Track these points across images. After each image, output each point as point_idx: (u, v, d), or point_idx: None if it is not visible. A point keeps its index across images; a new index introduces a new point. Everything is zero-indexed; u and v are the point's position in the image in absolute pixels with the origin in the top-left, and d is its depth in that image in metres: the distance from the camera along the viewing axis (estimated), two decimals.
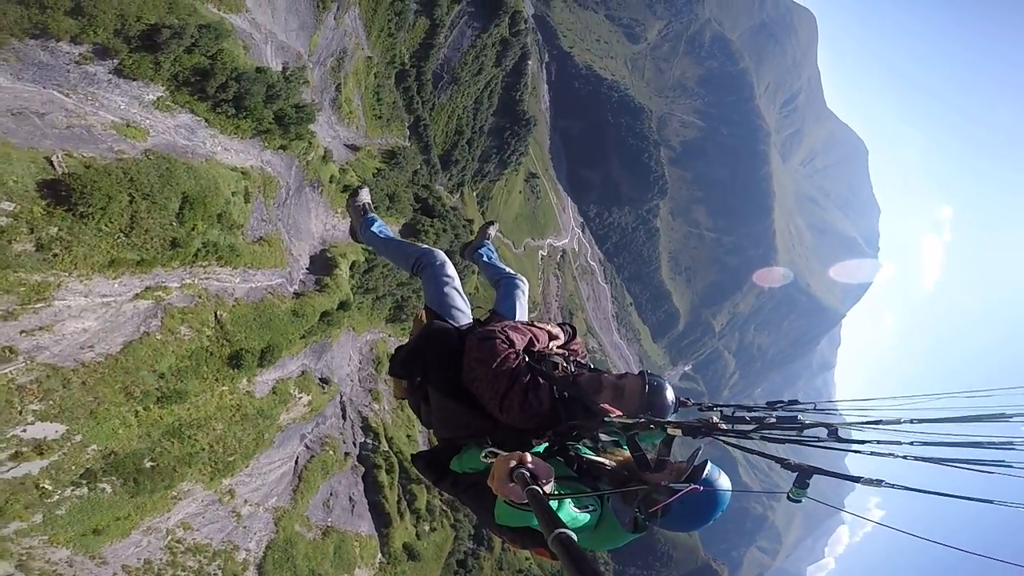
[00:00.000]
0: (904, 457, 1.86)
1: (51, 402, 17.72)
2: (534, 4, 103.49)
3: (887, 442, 1.96)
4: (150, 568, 22.06)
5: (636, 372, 3.05)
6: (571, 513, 2.32)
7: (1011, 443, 1.70)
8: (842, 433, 2.14)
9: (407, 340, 3.80)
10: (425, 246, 4.20)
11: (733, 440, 2.40)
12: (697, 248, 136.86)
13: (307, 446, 33.84)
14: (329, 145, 40.28)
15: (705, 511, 2.40)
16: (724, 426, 2.42)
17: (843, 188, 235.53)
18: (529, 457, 2.04)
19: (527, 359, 3.16)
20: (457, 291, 3.82)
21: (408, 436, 45.22)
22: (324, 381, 34.76)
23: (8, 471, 16.90)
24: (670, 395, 2.90)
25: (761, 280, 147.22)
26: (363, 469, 38.96)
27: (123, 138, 20.99)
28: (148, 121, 22.90)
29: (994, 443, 1.71)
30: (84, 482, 18.93)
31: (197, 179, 22.38)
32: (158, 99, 23.64)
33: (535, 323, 3.56)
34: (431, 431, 3.42)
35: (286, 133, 31.32)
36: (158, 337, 21.19)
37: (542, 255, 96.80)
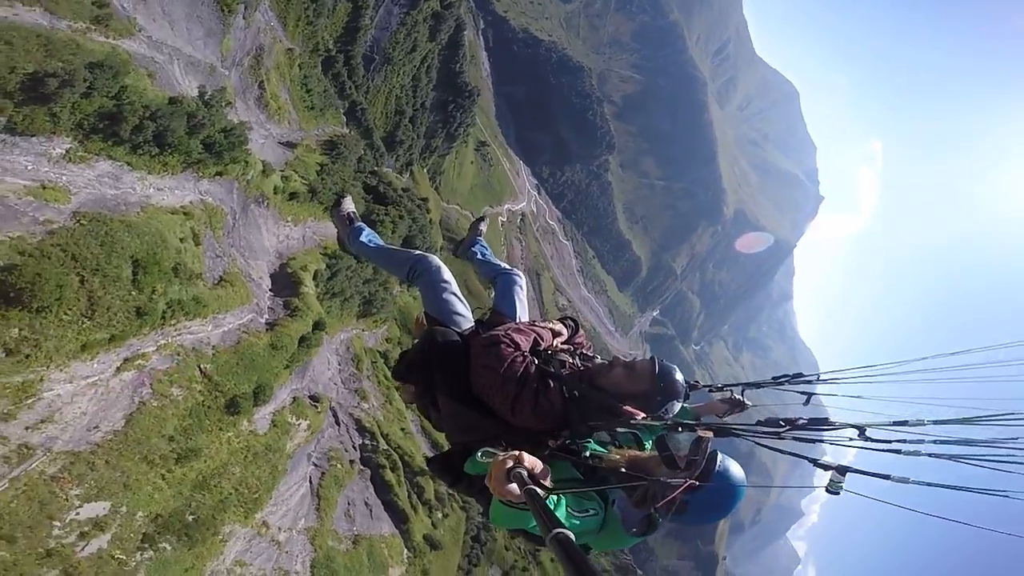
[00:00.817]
0: (930, 455, 2.14)
1: (87, 484, 18.86)
2: None
3: (912, 441, 2.24)
4: None
5: (647, 358, 3.03)
6: (571, 521, 2.27)
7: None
8: (870, 433, 2.36)
9: (410, 346, 3.76)
10: (418, 252, 4.13)
11: (766, 441, 2.49)
12: (649, 197, 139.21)
13: (315, 464, 34.29)
14: (264, 146, 38.30)
15: (724, 504, 2.41)
16: (763, 429, 2.48)
17: (780, 129, 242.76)
18: (527, 456, 2.00)
19: (535, 360, 3.14)
20: (456, 295, 3.78)
21: (402, 429, 45.32)
22: (314, 399, 34.77)
23: (83, 550, 18.29)
24: (680, 378, 2.91)
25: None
26: (369, 472, 39.29)
27: (44, 203, 19.13)
28: (65, 178, 20.59)
29: (1006, 442, 2.01)
30: (146, 546, 20.57)
31: (141, 237, 21.45)
32: (67, 151, 21.04)
33: (537, 322, 3.55)
34: (445, 435, 3.37)
35: (219, 160, 29.12)
36: (154, 404, 22.05)
37: (502, 221, 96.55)
